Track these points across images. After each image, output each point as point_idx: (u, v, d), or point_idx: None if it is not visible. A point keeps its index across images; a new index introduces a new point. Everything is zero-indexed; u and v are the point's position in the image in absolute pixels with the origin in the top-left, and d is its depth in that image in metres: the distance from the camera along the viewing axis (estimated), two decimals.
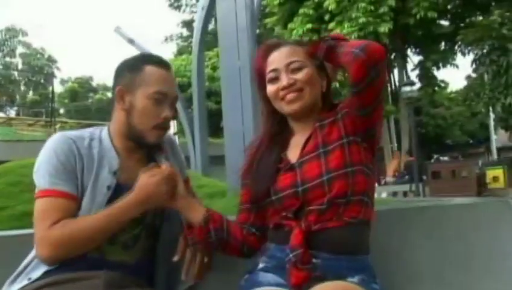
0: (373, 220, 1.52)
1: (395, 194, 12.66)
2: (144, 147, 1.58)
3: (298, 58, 1.52)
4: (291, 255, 1.40)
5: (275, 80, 1.53)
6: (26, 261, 1.45)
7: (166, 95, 1.53)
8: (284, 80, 1.50)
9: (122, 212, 1.43)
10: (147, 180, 1.44)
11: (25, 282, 1.40)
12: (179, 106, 4.96)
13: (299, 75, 1.50)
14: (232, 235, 1.55)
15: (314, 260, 1.41)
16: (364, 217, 1.47)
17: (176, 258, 1.54)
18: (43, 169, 1.44)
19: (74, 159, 1.45)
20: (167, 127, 1.59)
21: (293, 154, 1.53)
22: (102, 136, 1.55)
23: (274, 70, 1.54)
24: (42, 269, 1.40)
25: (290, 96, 1.50)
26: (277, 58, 1.54)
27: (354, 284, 1.39)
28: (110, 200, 1.47)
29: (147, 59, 1.56)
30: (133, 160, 1.56)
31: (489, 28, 12.31)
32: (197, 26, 4.78)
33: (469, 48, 13.37)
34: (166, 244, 1.62)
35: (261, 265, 1.51)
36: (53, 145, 1.46)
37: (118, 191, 1.48)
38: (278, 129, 1.60)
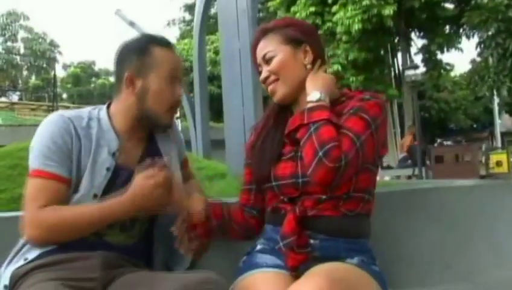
0: (372, 213, 1.52)
1: (398, 178, 12.65)
2: (148, 128, 1.57)
3: (270, 48, 1.53)
4: (281, 244, 1.39)
5: (260, 74, 1.58)
6: (22, 241, 1.44)
7: (178, 74, 1.54)
8: (262, 74, 1.55)
9: (114, 211, 1.41)
10: (142, 182, 1.41)
11: (21, 262, 1.39)
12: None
13: (271, 66, 1.52)
14: (233, 221, 1.58)
15: (312, 241, 1.40)
16: (362, 211, 1.46)
17: (174, 232, 1.51)
18: (37, 149, 1.42)
19: (71, 140, 1.43)
20: (179, 106, 1.61)
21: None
22: (101, 116, 1.53)
23: (259, 65, 1.57)
24: (38, 249, 1.40)
25: (269, 89, 1.54)
26: (257, 54, 1.57)
27: (353, 266, 1.38)
28: (109, 181, 1.45)
29: (152, 40, 1.53)
30: (132, 141, 1.54)
31: (495, 10, 12.15)
32: (198, 8, 4.73)
33: (474, 30, 13.21)
34: (164, 226, 1.61)
35: (259, 247, 1.52)
36: (49, 126, 1.44)
37: (116, 172, 1.47)
38: (282, 108, 1.59)
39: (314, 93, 1.44)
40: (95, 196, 1.43)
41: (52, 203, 1.39)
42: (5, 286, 1.36)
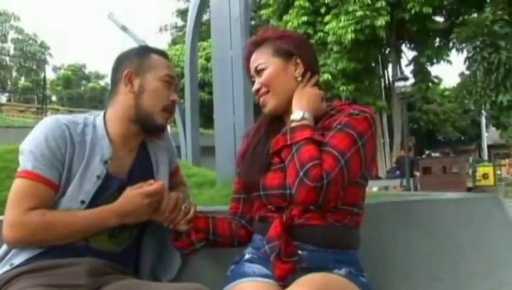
0: (361, 224, 1.52)
1: (386, 188, 12.73)
2: (146, 132, 1.58)
3: (261, 60, 1.54)
4: (266, 247, 1.40)
5: (253, 85, 1.59)
6: (5, 247, 1.43)
7: (174, 79, 1.59)
8: (254, 86, 1.57)
9: (102, 218, 1.42)
10: (133, 191, 1.44)
11: (7, 267, 1.38)
12: None
13: (262, 78, 1.54)
14: (220, 235, 1.58)
15: (300, 252, 1.40)
16: (350, 223, 1.46)
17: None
18: (29, 151, 1.41)
19: (65, 146, 1.43)
20: (173, 111, 1.63)
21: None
22: (97, 122, 1.53)
23: (252, 77, 1.59)
24: (25, 255, 1.38)
25: (261, 100, 1.56)
26: (250, 65, 1.59)
27: (340, 277, 1.38)
28: (99, 189, 1.45)
29: (149, 49, 1.63)
30: (125, 149, 1.55)
31: (481, 25, 12.31)
32: (190, 14, 4.73)
33: (463, 45, 13.37)
34: (153, 234, 1.61)
35: (247, 256, 1.51)
36: (44, 130, 1.44)
37: (107, 180, 1.47)
38: (274, 117, 1.59)
39: (297, 113, 1.45)
40: (83, 202, 1.43)
41: (38, 206, 1.37)
42: None
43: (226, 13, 2.65)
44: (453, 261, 1.93)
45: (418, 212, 1.98)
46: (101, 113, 1.58)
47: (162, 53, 1.63)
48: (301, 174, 1.31)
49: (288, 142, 1.40)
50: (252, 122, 2.55)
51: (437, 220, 1.97)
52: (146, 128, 1.57)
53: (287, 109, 1.53)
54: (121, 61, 1.58)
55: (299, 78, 1.52)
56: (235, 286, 1.41)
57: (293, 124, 1.43)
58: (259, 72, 1.54)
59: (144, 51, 1.60)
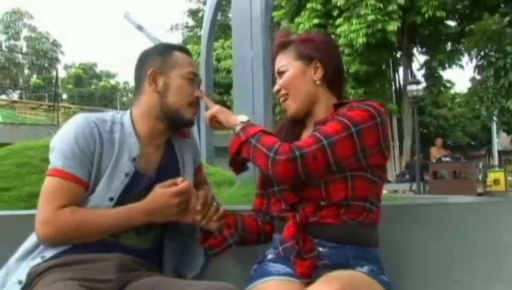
0: (379, 222, 1.52)
1: (395, 192, 12.66)
2: (174, 128, 1.61)
3: (283, 62, 1.59)
4: (280, 248, 1.43)
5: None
6: (35, 239, 1.44)
7: (197, 76, 1.63)
8: (275, 87, 1.61)
9: (131, 217, 1.44)
10: (162, 190, 1.45)
11: (39, 260, 1.40)
12: None
13: (281, 80, 1.58)
14: (248, 231, 1.61)
15: (320, 249, 1.42)
16: (366, 220, 1.46)
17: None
18: (60, 149, 1.43)
19: (94, 144, 1.45)
20: (198, 107, 1.66)
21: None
22: (124, 120, 1.55)
23: (276, 78, 1.63)
24: (56, 248, 1.40)
25: (283, 105, 1.60)
26: (275, 67, 1.62)
27: (363, 274, 1.39)
28: (127, 187, 1.47)
29: (172, 46, 1.65)
30: (152, 146, 1.57)
31: (486, 32, 12.14)
32: (206, 16, 4.77)
33: (471, 53, 13.19)
34: (176, 231, 1.62)
35: (269, 256, 1.53)
36: (74, 128, 1.46)
37: (135, 178, 1.49)
38: (295, 120, 1.62)
39: (240, 117, 1.54)
40: (111, 199, 1.44)
41: (68, 204, 1.39)
42: (20, 281, 1.36)
43: (247, 13, 2.68)
44: (469, 265, 1.93)
45: (433, 215, 1.99)
46: (128, 111, 1.60)
47: (184, 50, 1.65)
48: (270, 154, 1.36)
49: (244, 138, 1.46)
50: (271, 121, 2.58)
51: (452, 223, 1.97)
52: (174, 124, 1.59)
53: (308, 112, 1.57)
54: (144, 60, 1.60)
55: (318, 82, 1.55)
56: (260, 284, 1.43)
57: (241, 126, 1.51)
58: (280, 74, 1.59)
59: (166, 49, 1.61)
